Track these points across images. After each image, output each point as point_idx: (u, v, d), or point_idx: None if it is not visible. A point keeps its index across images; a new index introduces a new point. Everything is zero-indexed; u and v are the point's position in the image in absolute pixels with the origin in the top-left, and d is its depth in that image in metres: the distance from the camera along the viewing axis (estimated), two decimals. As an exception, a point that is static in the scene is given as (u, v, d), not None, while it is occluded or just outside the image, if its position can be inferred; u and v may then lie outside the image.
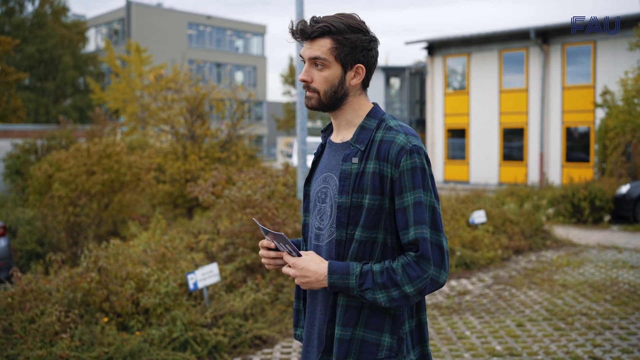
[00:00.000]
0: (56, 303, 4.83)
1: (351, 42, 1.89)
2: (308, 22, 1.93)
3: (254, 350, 4.98)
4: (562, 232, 10.72)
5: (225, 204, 6.96)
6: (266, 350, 4.99)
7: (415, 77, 28.15)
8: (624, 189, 11.99)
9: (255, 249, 6.21)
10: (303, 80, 1.95)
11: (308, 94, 1.97)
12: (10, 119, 26.34)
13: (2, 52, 26.29)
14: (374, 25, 3.39)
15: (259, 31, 52.90)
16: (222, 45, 50.18)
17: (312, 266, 1.86)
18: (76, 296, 4.96)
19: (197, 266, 5.72)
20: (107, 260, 5.32)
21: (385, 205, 1.85)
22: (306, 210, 2.09)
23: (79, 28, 36.82)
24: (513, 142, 20.86)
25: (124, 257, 5.55)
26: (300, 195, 8.06)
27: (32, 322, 4.65)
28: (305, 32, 1.91)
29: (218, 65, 49.20)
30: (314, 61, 1.92)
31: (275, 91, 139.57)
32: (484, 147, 21.27)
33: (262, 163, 12.84)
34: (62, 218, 8.57)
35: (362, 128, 1.94)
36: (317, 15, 1.94)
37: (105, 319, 4.78)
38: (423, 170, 1.84)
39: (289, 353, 4.93)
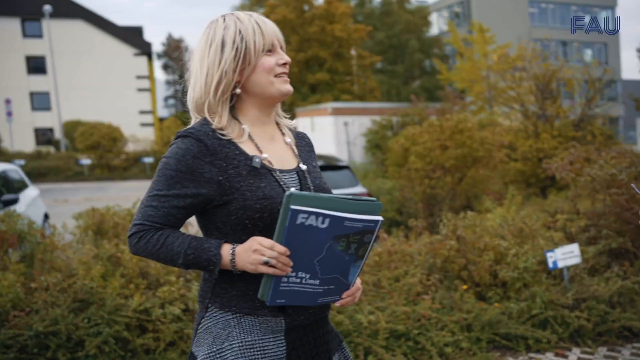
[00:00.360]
0: (418, 266, 5.08)
1: None
2: None
3: (622, 341, 4.56)
4: None
5: (586, 183, 6.50)
6: (637, 345, 4.52)
7: None
8: None
9: (622, 233, 5.67)
10: None
11: None
12: (368, 98, 28.80)
13: (358, 38, 28.83)
14: None
15: (608, 4, 48.31)
16: (566, 22, 47.15)
17: None
18: (436, 262, 5.16)
19: (556, 245, 5.45)
20: (464, 230, 5.41)
21: None
22: None
23: (422, 13, 38.40)
24: None
25: (481, 229, 5.57)
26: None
27: (397, 281, 4.97)
28: None
29: (564, 43, 46.46)
30: None
31: (631, 69, 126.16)
32: None
33: (622, 144, 11.73)
34: (418, 189, 9.03)
35: None
36: None
37: (464, 287, 4.87)
38: None
39: (663, 351, 4.40)
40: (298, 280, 1.61)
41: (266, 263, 1.55)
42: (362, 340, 4.27)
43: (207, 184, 1.66)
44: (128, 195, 17.76)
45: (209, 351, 1.70)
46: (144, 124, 40.07)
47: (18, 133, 36.83)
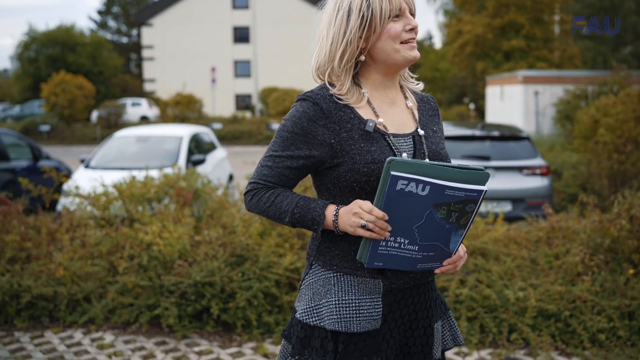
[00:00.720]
0: (582, 245, 4.71)
1: None
2: None
3: None
4: None
5: None
6: None
7: None
8: None
9: None
10: None
11: None
12: (566, 66, 26.87)
13: (562, 1, 26.82)
14: None
15: None
16: None
17: None
18: (604, 242, 4.74)
19: None
20: (641, 209, 4.89)
21: None
22: None
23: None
24: None
25: (663, 210, 5.00)
26: None
27: (557, 259, 4.66)
28: None
29: None
30: None
31: None
32: None
33: None
34: (605, 165, 8.30)
35: None
36: None
37: (632, 271, 4.43)
38: None
39: None
40: (397, 245, 1.61)
41: (364, 227, 1.57)
42: (507, 316, 4.10)
43: (320, 146, 1.69)
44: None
45: (307, 306, 1.75)
46: (338, 92, 41.18)
47: (220, 99, 39.84)
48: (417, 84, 1.93)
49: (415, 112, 1.87)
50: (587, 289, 4.23)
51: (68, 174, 9.83)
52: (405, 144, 1.77)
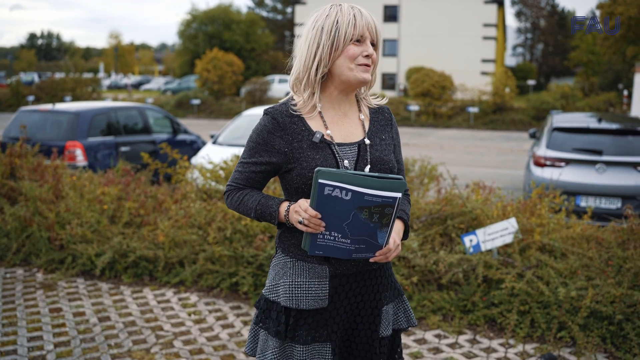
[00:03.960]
0: (656, 249, 4.59)
1: None
2: None
3: None
4: None
5: None
6: None
7: None
8: None
9: None
10: None
11: None
12: None
13: None
14: None
15: None
16: None
17: None
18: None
19: None
20: None
21: None
22: None
23: None
24: None
25: None
26: None
27: (629, 262, 4.59)
28: None
29: None
30: None
31: None
32: None
33: None
34: None
35: None
36: None
37: None
38: None
39: None
40: (332, 238, 1.92)
41: (301, 222, 1.90)
42: (559, 314, 4.17)
43: (277, 154, 2.05)
44: (444, 144, 18.48)
45: (269, 285, 2.14)
46: (484, 73, 40.14)
47: (368, 77, 40.23)
48: (376, 98, 2.23)
49: (366, 123, 2.15)
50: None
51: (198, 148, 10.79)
52: (349, 152, 2.06)
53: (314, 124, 2.06)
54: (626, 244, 4.80)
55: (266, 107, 2.11)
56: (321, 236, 1.92)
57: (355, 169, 2.03)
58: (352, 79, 2.03)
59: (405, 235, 2.14)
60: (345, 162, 2.03)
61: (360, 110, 2.17)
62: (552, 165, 7.90)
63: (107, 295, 4.98)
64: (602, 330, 4.10)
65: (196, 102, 27.81)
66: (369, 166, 2.05)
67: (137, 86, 53.12)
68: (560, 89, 25.52)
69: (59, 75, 33.40)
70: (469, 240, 4.66)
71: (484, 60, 41.84)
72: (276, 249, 2.17)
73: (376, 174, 1.84)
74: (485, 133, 22.63)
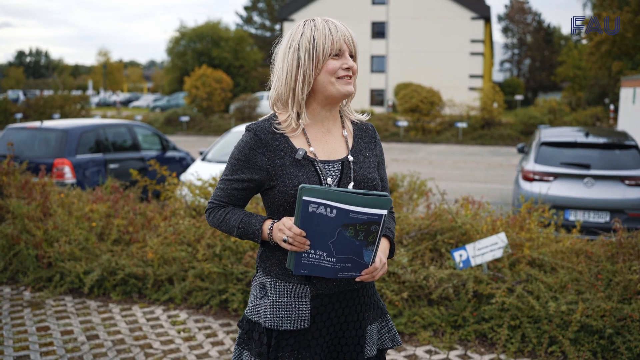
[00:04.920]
0: (644, 262, 4.61)
1: None
2: None
3: None
4: None
5: None
6: None
7: None
8: None
9: None
10: None
11: None
12: None
13: None
14: None
15: None
16: None
17: None
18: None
19: None
20: None
21: None
22: None
23: None
24: None
25: None
26: None
27: (618, 275, 4.60)
28: None
29: None
30: None
31: None
32: None
33: None
34: None
35: None
36: None
37: (692, 293, 4.30)
38: None
39: None
40: (317, 256, 1.89)
41: (285, 241, 1.87)
42: (550, 328, 4.17)
43: (259, 171, 2.02)
44: (433, 160, 18.54)
45: (251, 305, 2.11)
46: (472, 88, 40.42)
47: (357, 93, 40.44)
48: (361, 115, 2.22)
49: (350, 140, 2.13)
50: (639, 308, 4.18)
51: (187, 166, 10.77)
52: (333, 169, 2.04)
53: (297, 141, 2.05)
54: (615, 258, 4.82)
55: (248, 123, 2.10)
56: (306, 255, 1.89)
57: (338, 187, 2.01)
58: (335, 93, 2.02)
59: (391, 254, 2.12)
60: (329, 179, 2.01)
61: (343, 127, 2.15)
62: (541, 180, 7.94)
63: (95, 313, 4.93)
64: (592, 344, 4.10)
65: (185, 119, 27.80)
66: (352, 183, 2.04)
67: (126, 103, 53.07)
68: (548, 103, 25.73)
69: (47, 93, 33.26)
70: (458, 256, 4.66)
71: (472, 76, 42.13)
72: (257, 268, 2.14)
73: (361, 191, 1.82)
74: (473, 148, 22.75)
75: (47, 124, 9.81)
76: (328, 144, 2.09)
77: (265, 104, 33.50)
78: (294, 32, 2.04)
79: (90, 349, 4.25)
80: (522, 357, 4.16)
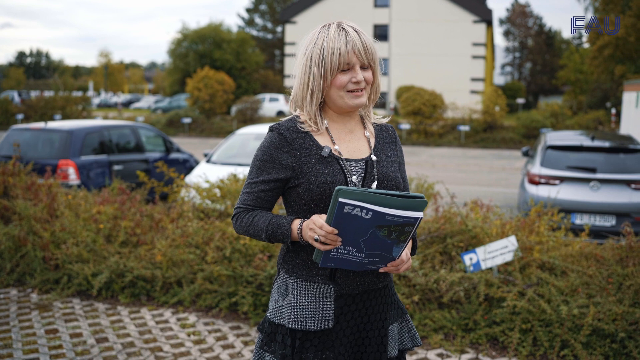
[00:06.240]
0: (656, 266, 4.60)
1: None
2: None
3: None
4: None
5: None
6: None
7: None
8: None
9: None
10: None
11: None
12: None
13: None
14: None
15: None
16: None
17: None
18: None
19: None
20: None
21: None
22: None
23: None
24: None
25: None
26: None
27: (628, 279, 4.60)
28: None
29: None
30: None
31: None
32: None
33: None
34: None
35: None
36: None
37: None
38: None
39: None
40: (346, 252, 1.89)
41: (317, 240, 1.86)
42: (562, 332, 4.15)
43: (285, 169, 2.02)
44: (436, 162, 18.52)
45: (274, 307, 2.10)
46: (473, 92, 40.43)
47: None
48: (381, 117, 2.22)
49: (372, 140, 2.14)
50: (652, 312, 4.16)
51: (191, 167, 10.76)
52: (357, 167, 2.05)
53: (322, 140, 2.06)
54: (625, 262, 4.80)
55: (271, 124, 2.09)
56: (335, 250, 1.88)
57: (362, 185, 2.02)
58: (344, 106, 2.05)
59: (413, 251, 2.12)
60: (354, 177, 2.02)
61: (365, 128, 2.17)
62: (547, 183, 7.93)
63: (104, 315, 4.91)
64: (604, 348, 4.09)
65: (187, 120, 27.78)
66: (376, 182, 2.04)
67: (127, 104, 53.04)
68: (550, 107, 25.72)
69: (47, 94, 33.26)
70: (469, 259, 4.64)
71: (474, 79, 42.13)
72: (278, 270, 2.13)
73: (397, 193, 1.80)
74: (476, 151, 22.74)
75: (52, 124, 9.80)
76: (351, 143, 2.10)
77: (267, 106, 33.53)
78: (309, 40, 2.05)
79: (100, 351, 4.24)
80: (534, 361, 4.14)
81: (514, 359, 4.16)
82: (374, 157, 2.09)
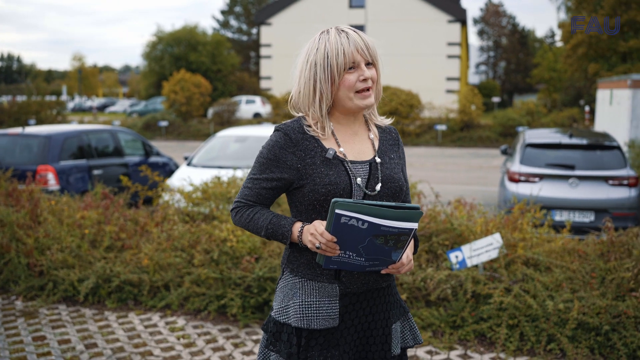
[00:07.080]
0: (636, 261, 4.71)
1: None
2: None
3: None
4: None
5: None
6: None
7: None
8: None
9: None
10: None
11: None
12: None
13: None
14: None
15: None
16: None
17: None
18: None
19: None
20: None
21: None
22: None
23: None
24: None
25: None
26: None
27: (611, 273, 4.70)
28: None
29: None
30: None
31: None
32: None
33: None
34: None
35: None
36: None
37: (684, 290, 4.40)
38: None
39: None
40: (347, 256, 1.93)
41: (317, 247, 1.90)
42: (548, 326, 4.23)
43: (288, 170, 2.05)
44: (413, 162, 18.65)
45: (279, 306, 2.12)
46: (449, 91, 40.74)
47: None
48: (383, 119, 2.25)
49: (376, 142, 2.17)
50: (635, 306, 4.26)
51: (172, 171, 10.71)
52: (361, 169, 2.08)
53: (327, 143, 2.09)
54: (607, 256, 4.90)
55: (277, 124, 2.12)
56: (336, 255, 1.93)
57: (366, 187, 2.06)
58: (354, 107, 2.07)
59: (415, 250, 2.16)
60: (358, 179, 2.05)
61: (369, 130, 2.20)
62: (527, 181, 8.05)
63: (91, 321, 4.89)
64: (590, 341, 4.18)
65: (164, 124, 27.62)
66: (380, 184, 2.07)
67: (102, 108, 52.53)
68: (526, 105, 26.04)
69: (20, 99, 32.79)
70: (454, 257, 4.70)
71: (449, 79, 42.45)
72: (283, 270, 2.16)
73: (393, 204, 1.84)
74: (453, 150, 22.94)
75: (29, 130, 9.69)
76: (356, 145, 2.14)
77: (244, 109, 33.41)
78: (311, 47, 2.07)
79: (90, 357, 4.22)
80: (522, 356, 4.22)
81: (501, 355, 4.23)
82: (378, 159, 2.12)
